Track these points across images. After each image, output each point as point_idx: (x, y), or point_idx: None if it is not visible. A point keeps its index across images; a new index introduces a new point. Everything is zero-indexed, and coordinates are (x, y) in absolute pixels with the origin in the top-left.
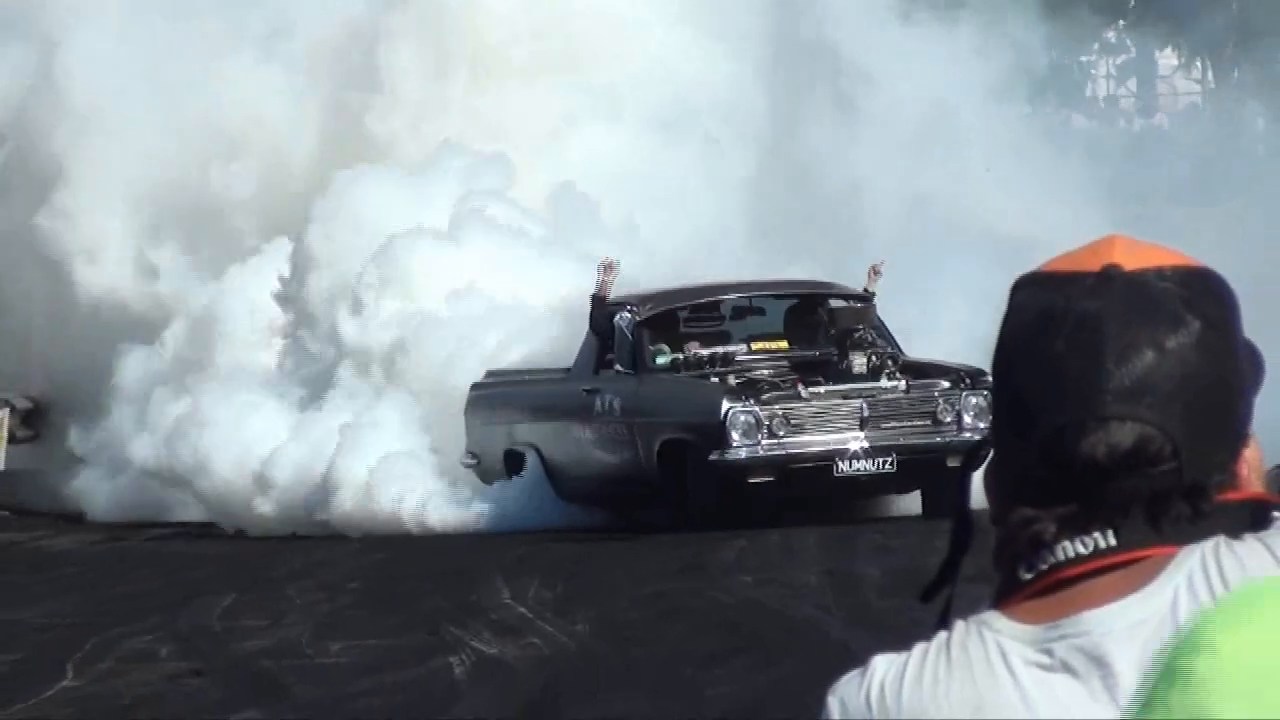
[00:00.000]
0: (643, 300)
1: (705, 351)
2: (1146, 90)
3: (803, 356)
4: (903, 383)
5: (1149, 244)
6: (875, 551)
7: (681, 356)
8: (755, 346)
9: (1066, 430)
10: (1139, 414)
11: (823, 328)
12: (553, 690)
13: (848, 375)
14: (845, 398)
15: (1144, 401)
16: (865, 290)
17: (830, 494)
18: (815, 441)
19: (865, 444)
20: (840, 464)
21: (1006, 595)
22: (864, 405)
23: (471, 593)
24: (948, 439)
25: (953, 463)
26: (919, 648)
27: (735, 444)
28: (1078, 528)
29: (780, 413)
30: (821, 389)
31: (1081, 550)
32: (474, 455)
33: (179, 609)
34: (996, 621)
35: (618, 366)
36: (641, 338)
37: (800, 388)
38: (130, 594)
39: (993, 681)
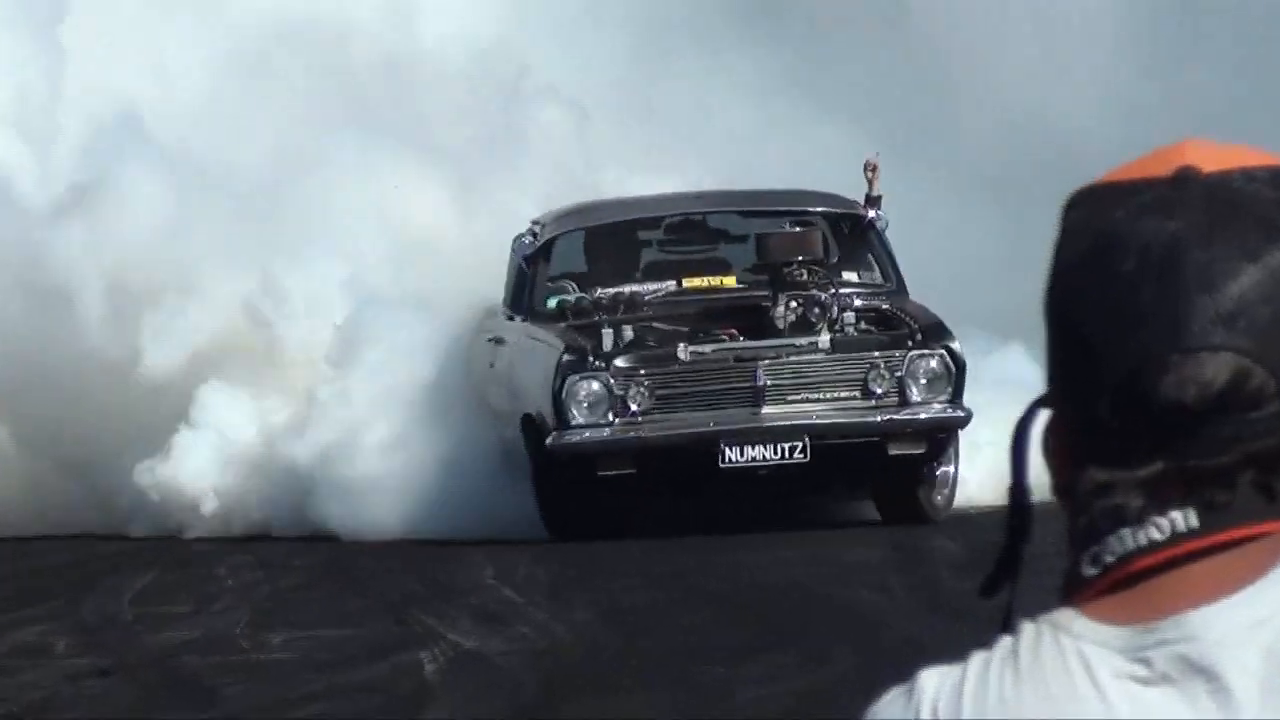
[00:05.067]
0: (556, 219)
1: (609, 291)
2: None
3: (743, 299)
4: (824, 338)
5: (1228, 144)
6: (951, 520)
7: (570, 298)
8: (688, 284)
9: (1144, 370)
10: (1233, 343)
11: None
12: (547, 692)
13: (771, 328)
14: (739, 360)
15: (1237, 328)
16: (868, 196)
17: (720, 491)
18: (688, 420)
19: (762, 424)
20: (727, 451)
21: (1080, 586)
22: (760, 372)
23: (446, 572)
24: (884, 417)
25: (897, 449)
26: (978, 657)
27: (576, 423)
28: (1164, 495)
29: (644, 382)
30: (707, 348)
31: (1157, 537)
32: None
33: (81, 592)
34: (1074, 623)
35: (502, 308)
36: (536, 272)
37: (681, 347)
38: (22, 574)
39: (1074, 697)
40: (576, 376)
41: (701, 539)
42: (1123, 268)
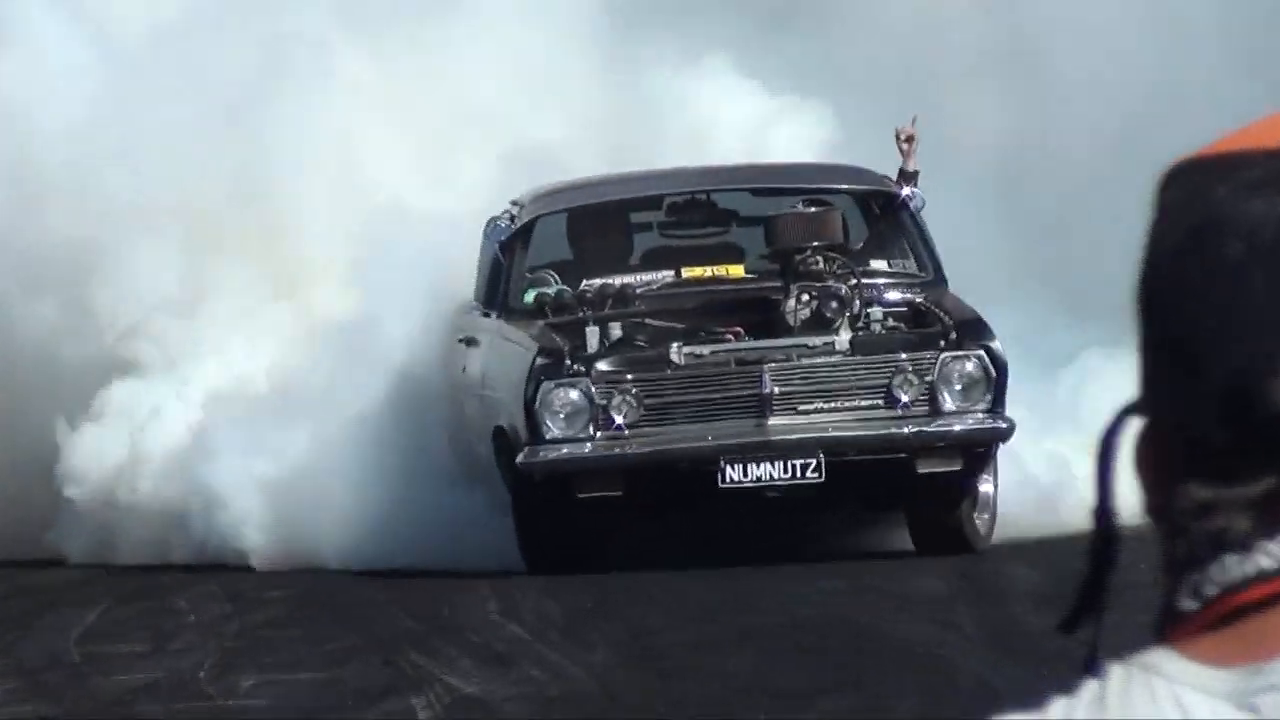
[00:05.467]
0: (537, 199)
1: (595, 283)
2: None
3: (749, 292)
4: (842, 337)
5: None
6: (1028, 544)
7: (550, 292)
8: (687, 274)
9: (1251, 372)
10: None
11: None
12: None
13: (780, 325)
14: (742, 363)
15: None
16: (903, 171)
17: (720, 516)
18: (682, 434)
19: (769, 438)
20: (728, 469)
21: (1176, 622)
22: (766, 377)
23: (443, 605)
24: (912, 429)
25: (927, 467)
26: (1059, 704)
27: (552, 436)
28: (1275, 517)
29: (630, 389)
30: (705, 350)
31: (1266, 565)
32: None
33: (19, 629)
34: (1170, 664)
35: (475, 304)
36: (513, 261)
37: (674, 348)
38: None
39: None
40: (552, 383)
41: (735, 568)
42: (1227, 254)
